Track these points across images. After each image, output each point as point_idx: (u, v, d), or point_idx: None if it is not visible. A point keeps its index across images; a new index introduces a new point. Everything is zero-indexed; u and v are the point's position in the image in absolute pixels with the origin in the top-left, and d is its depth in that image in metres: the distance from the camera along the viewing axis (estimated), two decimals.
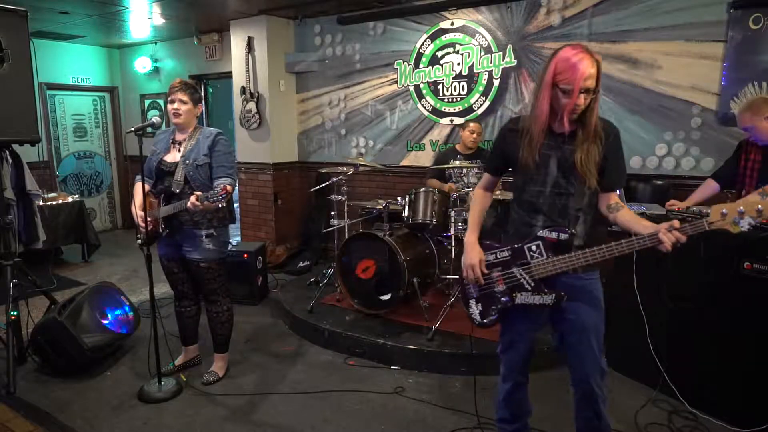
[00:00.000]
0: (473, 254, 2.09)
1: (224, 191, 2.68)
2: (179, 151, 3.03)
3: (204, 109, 7.02)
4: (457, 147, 4.58)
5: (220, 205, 2.74)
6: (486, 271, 2.08)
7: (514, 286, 2.03)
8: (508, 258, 2.04)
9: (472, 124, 4.49)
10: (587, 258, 1.89)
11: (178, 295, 3.31)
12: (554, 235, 1.94)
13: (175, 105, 2.98)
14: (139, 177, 3.06)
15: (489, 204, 2.30)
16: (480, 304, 2.14)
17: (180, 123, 3.02)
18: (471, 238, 2.14)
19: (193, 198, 2.74)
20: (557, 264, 1.94)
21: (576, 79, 1.80)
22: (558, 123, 1.91)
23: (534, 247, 1.98)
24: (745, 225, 1.67)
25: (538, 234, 1.97)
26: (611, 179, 1.96)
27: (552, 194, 1.97)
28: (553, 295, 1.97)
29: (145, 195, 2.97)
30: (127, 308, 3.78)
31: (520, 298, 2.02)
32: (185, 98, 2.97)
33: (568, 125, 1.87)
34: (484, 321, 2.14)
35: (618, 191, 2.00)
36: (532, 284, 1.99)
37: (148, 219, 3.01)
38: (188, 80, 3.16)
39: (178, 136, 3.07)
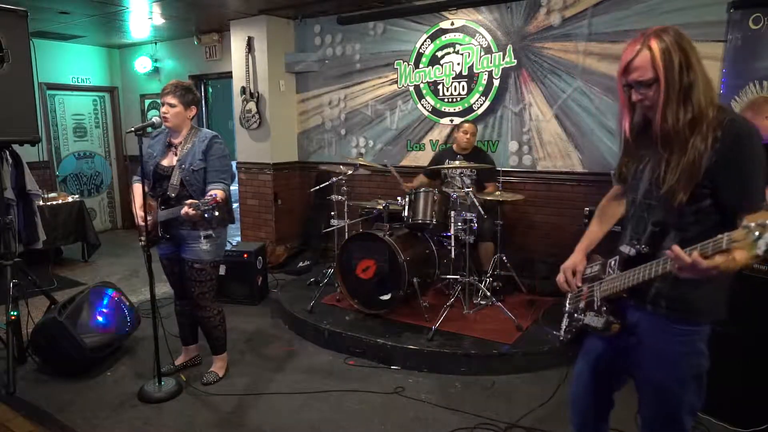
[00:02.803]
0: (568, 260, 1.85)
1: (214, 201, 2.69)
2: (175, 155, 3.02)
3: (204, 109, 7.02)
4: (454, 147, 4.59)
5: (208, 215, 2.74)
6: (579, 284, 1.82)
7: (589, 303, 1.76)
8: (596, 273, 1.77)
9: (465, 125, 4.49)
10: (629, 278, 1.56)
11: (178, 294, 3.31)
12: (627, 249, 1.63)
13: (163, 108, 2.98)
14: (135, 178, 3.06)
15: (614, 214, 1.89)
16: (567, 320, 1.91)
17: (169, 126, 3.02)
18: (577, 246, 1.88)
19: (186, 208, 2.75)
20: (615, 281, 1.63)
21: (618, 73, 1.55)
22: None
23: (613, 263, 1.69)
24: (763, 246, 1.22)
25: (619, 248, 1.69)
26: (723, 196, 1.47)
27: (641, 205, 1.64)
28: (606, 319, 1.66)
29: (144, 196, 2.96)
30: (127, 308, 3.78)
31: (586, 319, 1.76)
32: (174, 101, 2.96)
33: (659, 126, 1.51)
34: (561, 339, 1.92)
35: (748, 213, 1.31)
36: (599, 303, 1.71)
37: (148, 222, 3.01)
38: (184, 82, 3.15)
39: (174, 139, 3.07)
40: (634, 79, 1.51)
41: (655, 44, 1.46)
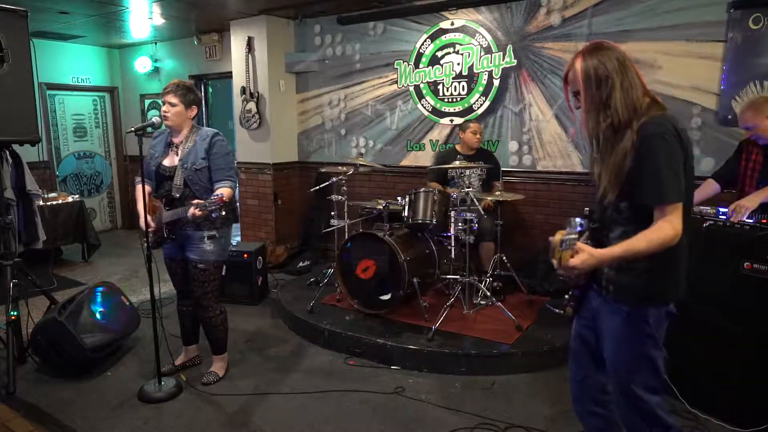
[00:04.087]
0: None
1: (220, 201, 2.70)
2: (177, 154, 3.02)
3: (204, 109, 7.02)
4: (458, 147, 4.58)
5: (214, 215, 2.75)
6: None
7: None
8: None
9: (473, 125, 4.48)
10: None
11: (180, 294, 3.31)
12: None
13: (164, 107, 2.98)
14: (138, 179, 3.06)
15: None
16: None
17: (169, 125, 3.02)
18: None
19: (192, 209, 2.76)
20: None
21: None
22: None
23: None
24: (563, 247, 1.61)
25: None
26: (637, 193, 1.65)
27: (600, 205, 1.80)
28: (567, 302, 1.88)
29: (146, 197, 2.96)
30: (127, 308, 3.78)
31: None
32: (174, 101, 2.96)
33: (585, 130, 1.75)
34: (564, 312, 2.00)
35: (660, 209, 1.62)
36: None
37: (153, 223, 3.01)
38: (185, 81, 3.15)
39: (175, 139, 3.07)
40: (570, 89, 1.76)
41: (578, 62, 1.70)
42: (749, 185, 3.02)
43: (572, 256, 1.61)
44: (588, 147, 1.79)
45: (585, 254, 1.61)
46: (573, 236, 1.62)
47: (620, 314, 1.74)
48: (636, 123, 1.64)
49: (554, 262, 1.66)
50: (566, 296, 1.90)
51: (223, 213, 2.77)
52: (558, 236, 1.66)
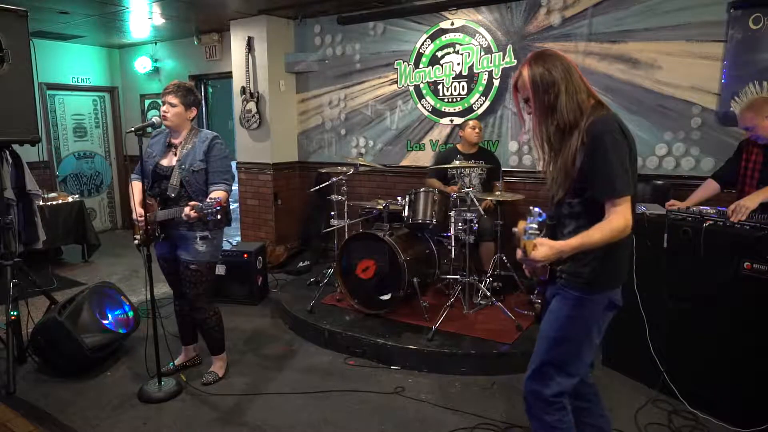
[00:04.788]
0: None
1: (218, 204, 2.69)
2: (175, 155, 3.02)
3: (204, 109, 7.02)
4: (458, 146, 4.58)
5: (210, 218, 2.76)
6: None
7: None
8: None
9: (471, 122, 4.50)
10: None
11: (177, 294, 3.30)
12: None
13: (164, 108, 2.98)
14: (134, 175, 3.05)
15: None
16: None
17: (169, 126, 3.02)
18: None
19: (187, 209, 2.75)
20: None
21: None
22: None
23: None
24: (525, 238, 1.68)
25: None
26: (590, 189, 1.78)
27: (552, 203, 1.95)
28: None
29: (143, 194, 2.96)
30: (127, 308, 3.78)
31: None
32: (174, 101, 2.96)
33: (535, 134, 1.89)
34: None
35: (611, 202, 1.73)
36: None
37: (146, 220, 3.01)
38: (185, 82, 3.15)
39: (174, 140, 3.07)
40: (521, 96, 1.86)
41: (525, 70, 1.81)
42: (749, 185, 3.02)
43: (534, 248, 1.69)
44: (538, 150, 1.89)
45: (545, 247, 1.70)
46: (534, 226, 1.68)
47: (565, 298, 1.88)
48: (583, 123, 1.76)
49: (519, 252, 1.72)
50: (532, 296, 2.06)
51: (219, 217, 2.76)
52: (521, 225, 1.71)
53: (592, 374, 2.15)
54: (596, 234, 1.71)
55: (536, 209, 1.70)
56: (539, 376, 1.93)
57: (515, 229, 1.74)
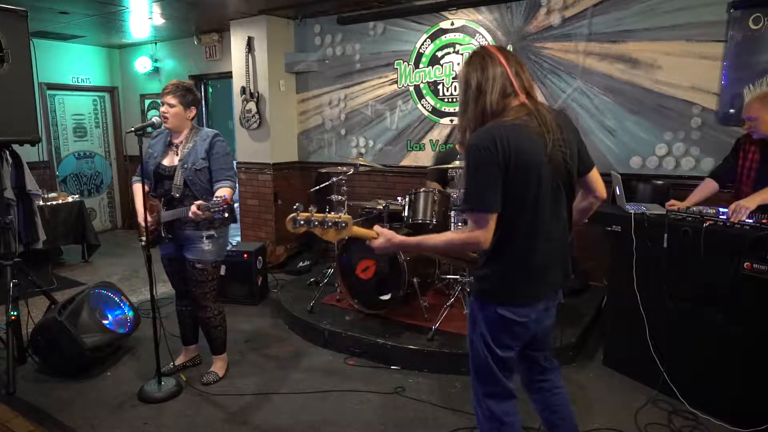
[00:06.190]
0: None
1: (224, 203, 2.69)
2: (177, 154, 3.02)
3: (204, 109, 7.02)
4: (458, 147, 4.57)
5: (218, 216, 2.77)
6: None
7: None
8: None
9: None
10: None
11: (179, 294, 3.31)
12: None
13: (163, 108, 2.98)
14: (135, 178, 3.05)
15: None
16: None
17: (169, 126, 3.02)
18: None
19: (194, 207, 2.74)
20: None
21: None
22: None
23: None
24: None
25: None
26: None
27: None
28: None
29: (145, 195, 2.96)
30: (127, 308, 3.78)
31: None
32: (173, 101, 2.96)
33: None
34: None
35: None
36: None
37: (150, 221, 3.01)
38: (185, 82, 3.14)
39: (175, 139, 3.07)
40: None
41: (460, 68, 1.79)
42: (746, 183, 3.02)
43: (366, 237, 1.77)
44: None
45: (383, 238, 1.78)
46: (320, 217, 1.81)
47: (471, 306, 1.91)
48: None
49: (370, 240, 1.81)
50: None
51: (226, 215, 2.77)
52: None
53: (551, 371, 2.14)
54: (438, 238, 1.78)
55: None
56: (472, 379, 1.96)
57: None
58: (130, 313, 3.77)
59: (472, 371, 1.94)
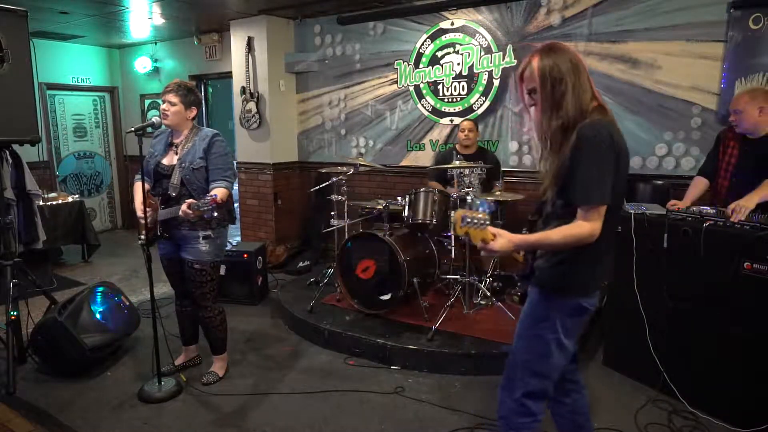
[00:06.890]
0: None
1: (213, 202, 2.67)
2: (176, 153, 3.02)
3: (204, 109, 7.02)
4: (457, 147, 4.58)
5: (207, 216, 2.74)
6: None
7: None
8: None
9: (462, 123, 4.50)
10: None
11: (178, 294, 3.31)
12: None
13: (164, 106, 2.98)
14: (137, 177, 3.06)
15: None
16: None
17: (168, 124, 3.02)
18: None
19: (184, 206, 2.73)
20: None
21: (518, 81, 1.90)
22: None
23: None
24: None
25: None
26: (568, 191, 1.74)
27: (541, 201, 1.95)
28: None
29: (145, 193, 2.96)
30: (127, 308, 3.78)
31: None
32: (174, 100, 2.96)
33: (538, 129, 1.85)
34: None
35: (582, 208, 1.70)
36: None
37: (148, 220, 3.01)
38: (187, 82, 3.15)
39: (175, 139, 3.07)
40: (526, 87, 1.82)
41: (536, 61, 1.76)
42: (723, 177, 3.09)
43: (483, 239, 1.68)
44: (540, 145, 1.84)
45: (503, 239, 1.70)
46: (480, 215, 1.68)
47: (535, 296, 1.89)
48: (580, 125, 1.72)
49: (459, 234, 1.70)
50: (512, 290, 2.03)
51: (215, 214, 2.74)
52: (460, 212, 1.70)
53: (578, 372, 2.16)
54: (556, 235, 1.71)
55: (477, 201, 1.69)
56: (508, 376, 1.95)
57: (453, 213, 1.73)
58: (130, 313, 3.77)
59: (522, 369, 1.90)
